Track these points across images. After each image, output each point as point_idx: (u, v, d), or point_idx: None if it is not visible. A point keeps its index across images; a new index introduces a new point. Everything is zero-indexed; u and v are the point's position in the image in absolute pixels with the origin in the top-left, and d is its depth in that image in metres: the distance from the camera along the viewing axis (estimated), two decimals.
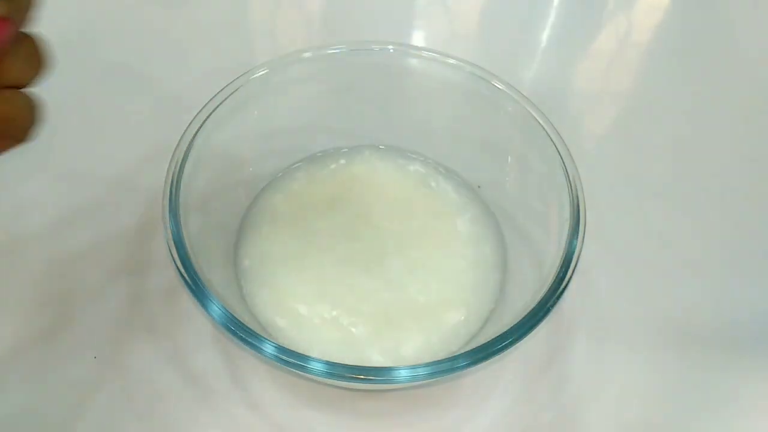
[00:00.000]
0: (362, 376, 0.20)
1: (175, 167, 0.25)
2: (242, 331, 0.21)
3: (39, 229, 0.30)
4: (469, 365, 0.21)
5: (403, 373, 0.20)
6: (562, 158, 0.26)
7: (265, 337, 0.21)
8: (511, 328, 0.22)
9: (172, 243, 0.23)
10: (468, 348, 0.22)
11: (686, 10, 0.44)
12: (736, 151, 0.36)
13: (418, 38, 0.41)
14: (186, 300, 0.28)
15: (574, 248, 0.24)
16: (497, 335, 0.21)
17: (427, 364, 0.20)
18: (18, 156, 0.32)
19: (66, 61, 0.37)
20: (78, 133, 0.34)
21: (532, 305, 0.22)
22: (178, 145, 0.25)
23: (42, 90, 0.35)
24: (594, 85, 0.39)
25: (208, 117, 0.26)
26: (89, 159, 0.33)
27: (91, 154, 0.33)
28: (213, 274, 0.24)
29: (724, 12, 0.44)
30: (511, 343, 0.21)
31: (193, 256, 0.23)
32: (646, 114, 0.38)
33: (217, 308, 0.21)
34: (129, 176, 0.32)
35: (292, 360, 0.20)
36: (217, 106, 0.26)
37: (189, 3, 0.41)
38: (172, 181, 0.24)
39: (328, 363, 0.20)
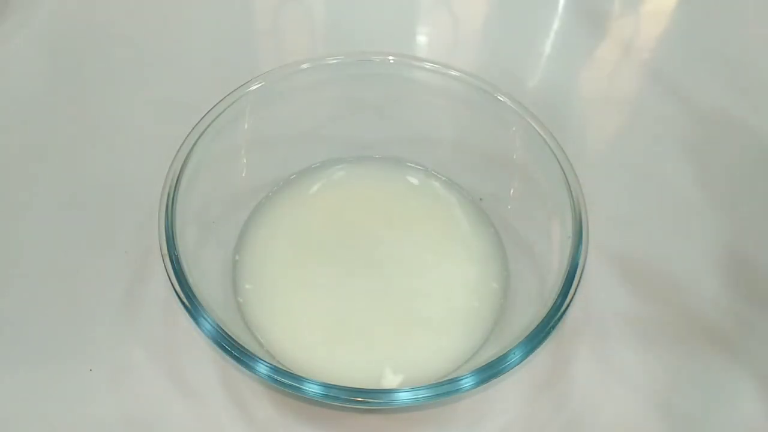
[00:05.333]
0: (361, 399, 0.19)
1: (172, 180, 0.24)
2: (236, 350, 0.20)
3: (34, 234, 0.30)
4: (471, 387, 0.20)
5: (404, 396, 0.19)
6: (564, 173, 0.25)
7: (261, 356, 0.20)
8: (515, 347, 0.21)
9: (167, 258, 0.22)
10: (469, 368, 0.21)
11: (691, 17, 0.44)
12: (742, 159, 0.36)
13: (421, 46, 0.41)
14: (184, 311, 0.27)
15: (577, 265, 0.23)
16: (500, 355, 0.21)
17: (429, 386, 0.20)
18: (16, 158, 0.32)
19: (68, 66, 0.38)
20: (77, 139, 0.34)
21: (535, 323, 0.22)
22: (175, 157, 0.25)
23: (44, 92, 0.35)
24: (598, 93, 0.39)
25: (205, 129, 0.26)
26: (87, 165, 0.33)
27: (90, 160, 0.33)
28: (209, 289, 0.24)
29: (729, 19, 0.44)
30: (515, 363, 0.21)
31: (189, 271, 0.22)
32: (650, 123, 0.37)
33: (210, 326, 0.21)
34: (127, 184, 0.32)
35: (287, 381, 0.19)
36: (215, 118, 0.26)
37: (192, 11, 0.41)
38: (168, 194, 0.24)
39: (324, 385, 0.19)
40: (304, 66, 0.28)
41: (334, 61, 0.29)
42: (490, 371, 0.20)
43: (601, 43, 0.42)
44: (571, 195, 0.25)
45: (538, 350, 0.21)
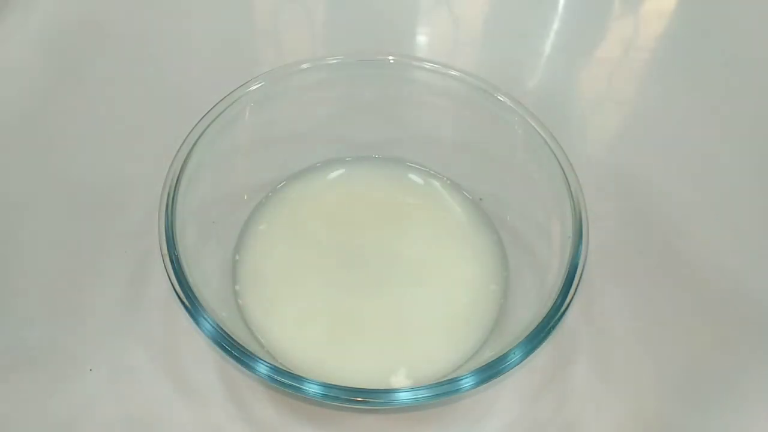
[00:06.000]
0: (360, 399, 0.19)
1: (172, 180, 0.24)
2: (236, 350, 0.20)
3: (34, 235, 0.30)
4: (471, 387, 0.20)
5: (404, 396, 0.19)
6: (564, 173, 0.25)
7: (261, 356, 0.20)
8: (515, 347, 0.21)
9: (167, 257, 0.22)
10: (469, 368, 0.21)
11: (692, 17, 0.44)
12: (742, 158, 0.36)
13: (421, 46, 0.41)
14: (184, 311, 0.27)
15: (577, 265, 0.23)
16: (500, 355, 0.21)
17: (429, 386, 0.20)
18: (16, 159, 0.33)
19: (68, 66, 0.38)
20: (77, 139, 0.33)
21: (536, 323, 0.22)
22: (175, 157, 0.25)
23: (44, 92, 0.35)
24: (598, 93, 0.39)
25: (205, 129, 0.26)
26: (87, 164, 0.33)
27: (90, 159, 0.33)
28: (209, 289, 0.24)
29: (729, 19, 0.44)
30: (515, 363, 0.21)
31: (189, 271, 0.22)
32: (650, 122, 0.37)
33: (210, 326, 0.21)
34: (127, 184, 0.32)
35: (286, 381, 0.19)
36: (215, 118, 0.26)
37: (192, 11, 0.41)
38: (168, 194, 0.24)
39: (324, 385, 0.19)
40: (304, 66, 0.28)
41: (334, 61, 0.29)
42: (490, 371, 0.20)
43: (601, 43, 0.42)
44: (571, 195, 0.25)
45: (538, 350, 0.21)
